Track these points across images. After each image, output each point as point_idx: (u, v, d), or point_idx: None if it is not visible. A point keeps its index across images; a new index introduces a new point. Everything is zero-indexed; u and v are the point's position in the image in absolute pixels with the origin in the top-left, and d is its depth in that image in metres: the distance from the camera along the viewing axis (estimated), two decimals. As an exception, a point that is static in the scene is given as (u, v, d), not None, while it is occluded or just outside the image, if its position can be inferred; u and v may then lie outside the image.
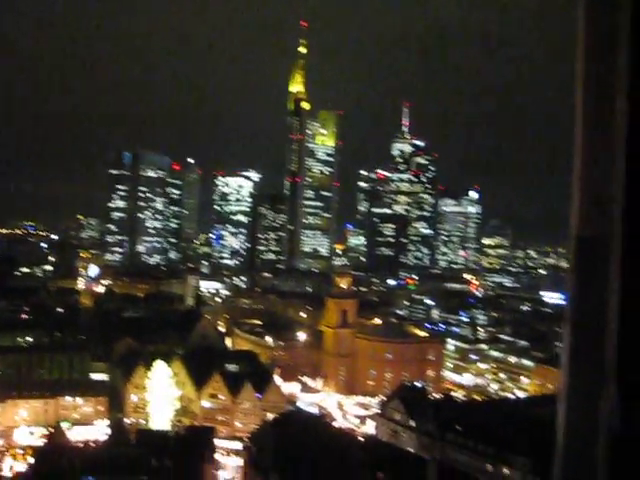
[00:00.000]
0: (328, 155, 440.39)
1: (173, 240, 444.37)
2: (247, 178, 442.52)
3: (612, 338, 2.45)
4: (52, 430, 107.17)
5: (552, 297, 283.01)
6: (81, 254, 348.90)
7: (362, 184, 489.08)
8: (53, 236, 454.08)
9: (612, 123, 2.50)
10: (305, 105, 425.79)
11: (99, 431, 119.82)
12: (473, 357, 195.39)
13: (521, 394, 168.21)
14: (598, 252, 2.57)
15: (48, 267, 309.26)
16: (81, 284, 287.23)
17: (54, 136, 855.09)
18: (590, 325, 2.62)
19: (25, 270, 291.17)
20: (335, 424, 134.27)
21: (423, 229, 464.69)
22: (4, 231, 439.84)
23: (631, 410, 2.37)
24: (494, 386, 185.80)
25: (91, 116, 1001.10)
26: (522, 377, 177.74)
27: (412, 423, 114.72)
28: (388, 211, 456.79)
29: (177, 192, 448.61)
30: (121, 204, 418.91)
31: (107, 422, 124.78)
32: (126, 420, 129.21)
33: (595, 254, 2.61)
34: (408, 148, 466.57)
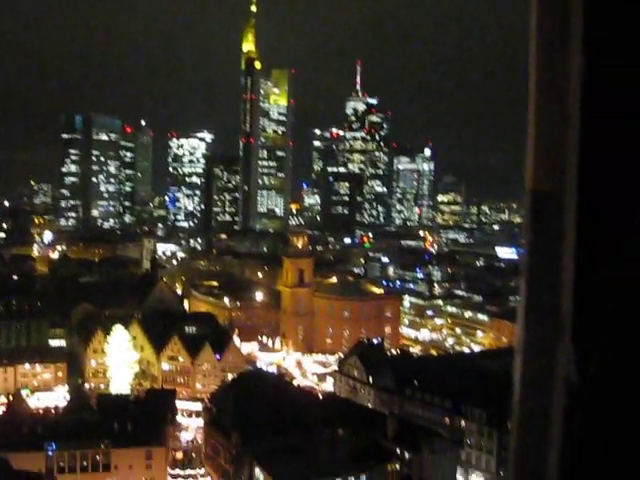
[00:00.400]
0: (281, 114, 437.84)
1: (127, 204, 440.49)
2: (201, 139, 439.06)
3: (566, 291, 2.47)
4: (12, 398, 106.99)
5: (506, 252, 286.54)
6: (35, 220, 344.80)
7: (316, 143, 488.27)
8: (5, 203, 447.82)
9: (568, 75, 2.46)
10: (257, 64, 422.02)
11: (59, 397, 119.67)
12: (429, 313, 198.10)
13: (477, 348, 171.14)
14: (552, 206, 2.56)
15: (1, 234, 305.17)
16: (36, 251, 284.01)
17: (1, 101, 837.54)
18: (545, 278, 2.61)
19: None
20: (294, 382, 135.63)
21: (378, 187, 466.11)
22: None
23: (586, 361, 2.38)
24: (450, 341, 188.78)
25: (41, 80, 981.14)
26: (477, 331, 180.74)
27: (370, 379, 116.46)
28: (343, 170, 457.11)
29: (130, 155, 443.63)
30: (74, 168, 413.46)
31: (67, 388, 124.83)
32: (86, 385, 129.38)
33: (549, 208, 2.59)
34: (362, 106, 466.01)
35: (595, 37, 2.35)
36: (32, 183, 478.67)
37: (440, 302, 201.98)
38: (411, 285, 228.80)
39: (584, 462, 2.39)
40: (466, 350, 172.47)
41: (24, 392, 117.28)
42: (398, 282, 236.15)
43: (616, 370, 2.31)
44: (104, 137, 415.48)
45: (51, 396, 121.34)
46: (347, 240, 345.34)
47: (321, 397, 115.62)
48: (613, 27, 2.32)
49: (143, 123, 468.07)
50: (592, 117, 2.38)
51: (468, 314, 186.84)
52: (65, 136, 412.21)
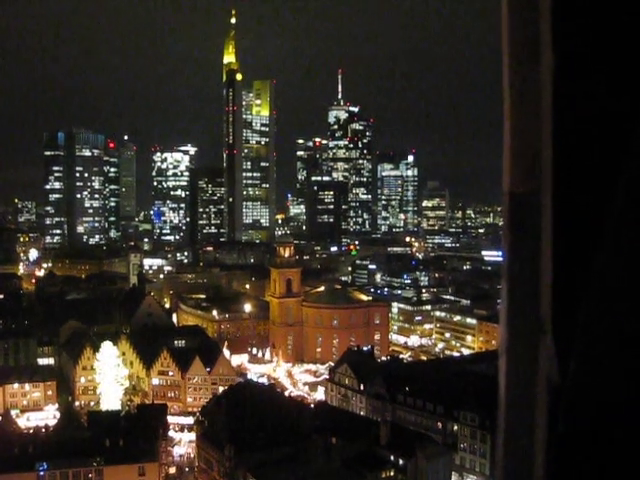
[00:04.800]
0: (264, 125, 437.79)
1: (113, 219, 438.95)
2: (184, 152, 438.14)
3: (545, 291, 2.50)
4: (1, 418, 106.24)
5: (492, 255, 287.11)
6: (20, 238, 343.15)
7: (300, 153, 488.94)
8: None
9: (539, 77, 2.48)
10: (238, 76, 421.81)
11: (49, 416, 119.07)
12: (418, 318, 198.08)
13: (466, 352, 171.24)
14: (529, 208, 2.59)
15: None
16: (22, 269, 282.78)
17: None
18: (524, 279, 2.65)
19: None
20: (286, 393, 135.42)
21: (362, 195, 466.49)
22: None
23: (567, 359, 2.43)
24: (440, 345, 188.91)
25: (22, 97, 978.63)
26: (467, 335, 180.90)
27: (361, 387, 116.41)
28: (327, 178, 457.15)
29: (114, 170, 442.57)
30: (57, 185, 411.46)
31: (57, 406, 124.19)
32: (76, 403, 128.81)
33: (526, 210, 2.62)
34: (344, 115, 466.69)
35: (564, 35, 2.38)
36: (16, 201, 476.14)
37: (428, 307, 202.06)
38: (399, 291, 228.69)
39: (569, 459, 2.42)
40: (456, 354, 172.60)
41: (14, 412, 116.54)
42: (386, 289, 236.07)
43: (596, 367, 2.36)
44: (87, 153, 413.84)
45: (41, 415, 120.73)
46: (334, 248, 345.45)
47: (313, 406, 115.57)
48: (582, 25, 2.35)
49: (126, 138, 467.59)
50: (564, 117, 2.39)
51: (457, 318, 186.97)
52: (48, 153, 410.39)
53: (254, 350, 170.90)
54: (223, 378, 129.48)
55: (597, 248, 2.37)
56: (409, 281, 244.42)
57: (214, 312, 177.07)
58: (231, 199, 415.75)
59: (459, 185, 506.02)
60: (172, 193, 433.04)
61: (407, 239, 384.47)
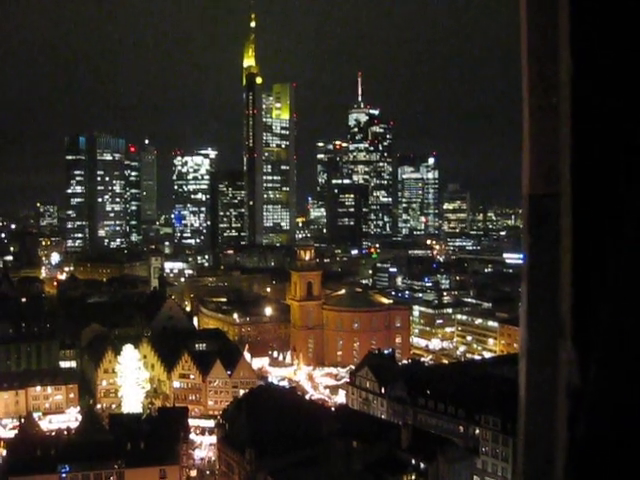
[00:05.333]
0: (284, 129, 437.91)
1: (134, 222, 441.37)
2: (205, 156, 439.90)
3: (565, 293, 2.49)
4: (24, 421, 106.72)
5: (513, 258, 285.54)
6: (42, 242, 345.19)
7: (320, 156, 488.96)
8: (12, 226, 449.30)
9: (557, 81, 2.50)
10: (258, 79, 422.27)
11: (71, 419, 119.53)
12: (439, 321, 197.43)
13: (488, 355, 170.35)
14: (549, 210, 2.60)
15: (9, 257, 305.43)
16: (44, 272, 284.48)
17: (6, 125, 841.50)
18: (544, 282, 2.66)
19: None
20: (306, 396, 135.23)
21: (383, 197, 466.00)
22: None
23: (587, 362, 2.40)
24: (461, 349, 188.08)
25: (44, 102, 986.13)
26: (488, 338, 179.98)
27: (382, 390, 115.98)
28: (347, 181, 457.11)
29: (135, 174, 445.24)
30: (79, 189, 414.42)
31: (79, 409, 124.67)
32: (98, 406, 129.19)
33: (546, 212, 2.63)
34: (364, 117, 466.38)
35: (583, 39, 2.38)
36: (38, 205, 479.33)
37: (449, 310, 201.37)
38: (420, 294, 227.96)
39: (590, 463, 2.39)
40: (477, 357, 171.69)
41: (36, 415, 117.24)
42: (407, 292, 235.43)
43: (617, 371, 2.33)
44: (108, 157, 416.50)
45: (63, 418, 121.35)
46: (354, 251, 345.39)
47: (334, 410, 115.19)
48: (600, 29, 2.34)
49: (147, 142, 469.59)
50: (583, 120, 2.40)
51: (478, 321, 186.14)
52: (69, 157, 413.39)
53: (275, 353, 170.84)
54: (244, 381, 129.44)
55: (617, 251, 2.35)
56: (430, 284, 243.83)
57: (235, 315, 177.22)
58: (251, 202, 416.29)
59: (480, 187, 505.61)
60: (193, 196, 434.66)
61: (428, 242, 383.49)
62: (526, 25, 2.68)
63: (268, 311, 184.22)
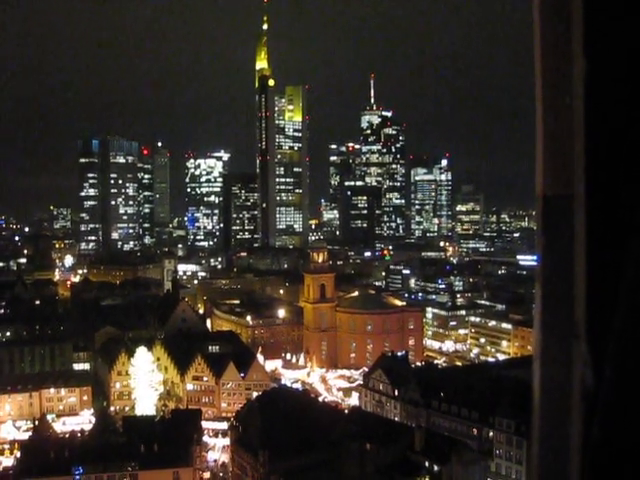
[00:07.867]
0: (297, 131, 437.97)
1: (147, 225, 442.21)
2: (218, 159, 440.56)
3: (579, 294, 2.50)
4: (37, 423, 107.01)
5: (527, 260, 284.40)
6: (55, 245, 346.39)
7: (333, 158, 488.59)
8: (26, 229, 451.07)
9: (571, 81, 2.50)
10: (270, 82, 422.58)
11: (85, 421, 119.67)
12: (452, 323, 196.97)
13: (502, 357, 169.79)
14: (562, 211, 2.60)
15: (23, 260, 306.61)
16: (57, 275, 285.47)
17: (20, 128, 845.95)
18: (558, 283, 2.66)
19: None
20: (319, 398, 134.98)
21: (396, 199, 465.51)
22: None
23: (602, 363, 2.39)
24: (475, 351, 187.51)
25: (57, 105, 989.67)
26: (502, 340, 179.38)
27: (396, 392, 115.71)
28: (360, 183, 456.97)
29: (148, 177, 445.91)
30: (92, 192, 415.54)
31: (92, 411, 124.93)
32: (111, 408, 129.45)
33: (560, 214, 2.63)
34: (376, 119, 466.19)
35: (596, 41, 2.38)
36: (52, 208, 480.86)
37: (463, 312, 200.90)
38: (433, 296, 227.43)
39: (605, 465, 2.39)
40: (491, 360, 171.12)
41: (50, 417, 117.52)
42: (420, 294, 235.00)
43: (631, 372, 2.32)
44: (121, 160, 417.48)
45: (77, 420, 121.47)
46: (367, 253, 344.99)
47: (347, 412, 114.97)
48: (614, 30, 2.34)
49: (160, 144, 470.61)
50: (597, 121, 2.40)
51: (492, 323, 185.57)
52: (83, 160, 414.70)
53: (288, 355, 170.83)
54: (257, 383, 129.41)
55: (631, 252, 2.35)
56: (443, 286, 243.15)
57: (248, 318, 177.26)
58: (264, 205, 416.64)
59: (494, 189, 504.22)
60: (206, 199, 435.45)
61: (441, 244, 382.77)
62: (539, 24, 2.69)
63: (281, 313, 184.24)
